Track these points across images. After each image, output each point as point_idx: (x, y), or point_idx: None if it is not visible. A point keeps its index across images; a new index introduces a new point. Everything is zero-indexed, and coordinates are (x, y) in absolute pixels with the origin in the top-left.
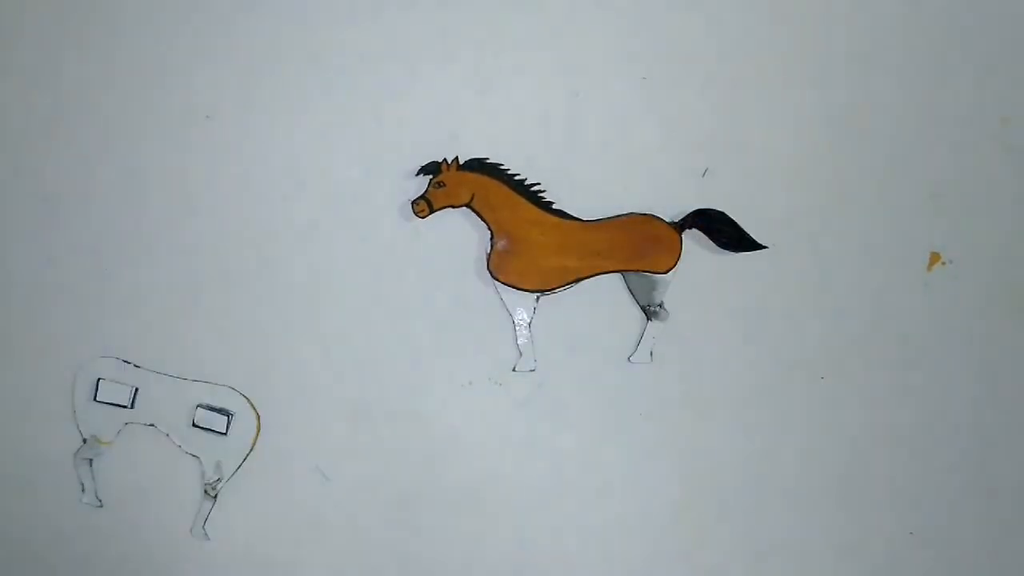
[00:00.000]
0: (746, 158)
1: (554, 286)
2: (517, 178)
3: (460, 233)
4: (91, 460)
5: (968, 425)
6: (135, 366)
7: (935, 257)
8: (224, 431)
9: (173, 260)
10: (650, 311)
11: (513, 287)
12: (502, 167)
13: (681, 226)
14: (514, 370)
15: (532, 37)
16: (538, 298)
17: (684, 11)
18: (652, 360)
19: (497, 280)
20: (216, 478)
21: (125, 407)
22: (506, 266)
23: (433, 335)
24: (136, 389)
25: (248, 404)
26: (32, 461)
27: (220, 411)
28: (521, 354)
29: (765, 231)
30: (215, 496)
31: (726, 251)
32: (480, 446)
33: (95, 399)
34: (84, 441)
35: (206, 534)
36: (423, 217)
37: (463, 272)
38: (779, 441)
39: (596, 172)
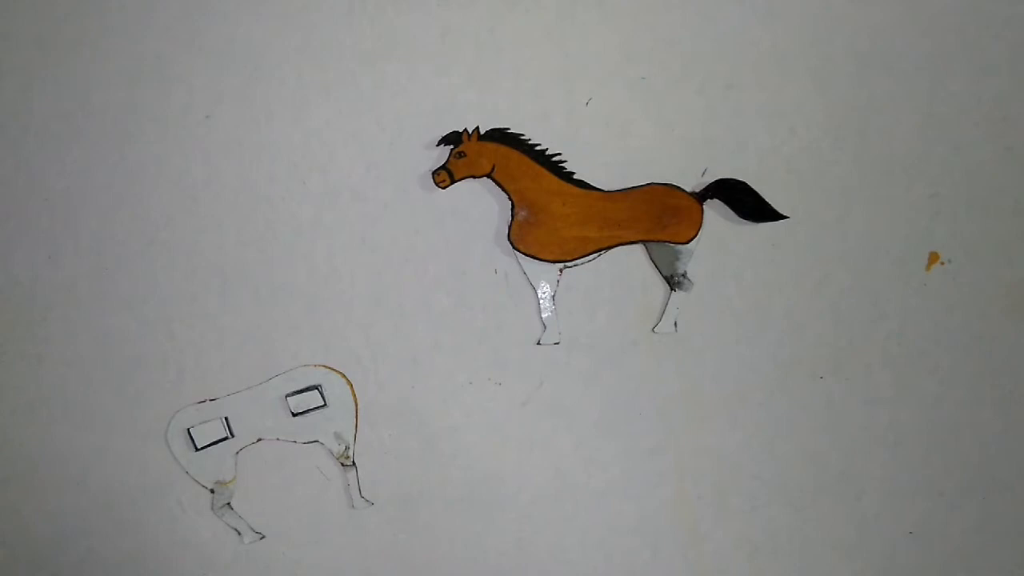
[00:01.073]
0: (744, 158)
1: (575, 257)
2: (538, 148)
3: (459, 233)
4: (229, 503)
5: (967, 424)
6: (211, 400)
7: (934, 257)
8: (323, 403)
9: (173, 260)
10: (673, 281)
11: (534, 257)
12: (523, 137)
13: (702, 196)
14: (539, 343)
15: (531, 38)
16: (561, 270)
17: (682, 11)
18: (677, 331)
19: (518, 251)
20: (344, 447)
21: (227, 438)
22: (527, 237)
23: (434, 335)
24: (226, 418)
25: (325, 369)
26: (35, 462)
27: (308, 389)
28: (545, 327)
29: (763, 230)
30: (353, 462)
31: (746, 221)
32: (480, 445)
33: (196, 449)
34: (212, 491)
35: (367, 500)
36: (444, 187)
37: (462, 272)
38: (778, 440)
39: (595, 172)
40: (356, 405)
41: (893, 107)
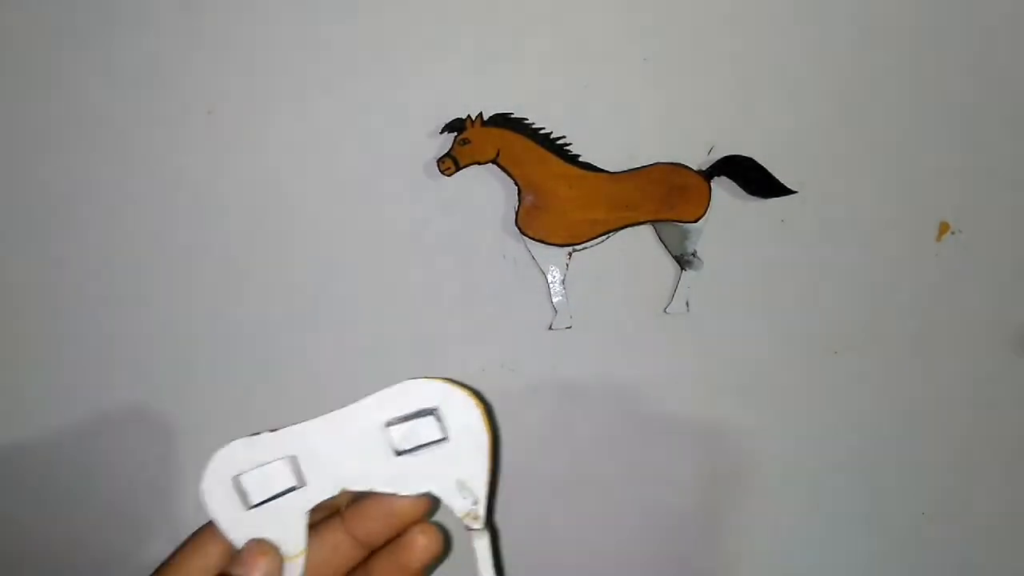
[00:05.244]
0: (750, 134)
1: (584, 239)
2: (542, 132)
3: (465, 220)
4: None
5: (985, 394)
6: (270, 432)
7: (944, 226)
8: (442, 435)
9: (179, 258)
10: (683, 260)
11: (542, 242)
12: (526, 121)
13: (709, 174)
14: (551, 328)
15: (531, 21)
16: (570, 253)
17: None
18: (688, 310)
19: (526, 236)
20: (471, 502)
21: (295, 488)
22: (534, 221)
23: (443, 323)
24: (294, 457)
25: (444, 384)
26: (45, 466)
27: (419, 415)
28: (556, 312)
29: (772, 206)
30: (485, 526)
31: (755, 198)
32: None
33: (251, 506)
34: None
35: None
36: (449, 175)
37: (470, 260)
38: (794, 418)
39: (601, 154)
40: (491, 438)
41: (897, 76)
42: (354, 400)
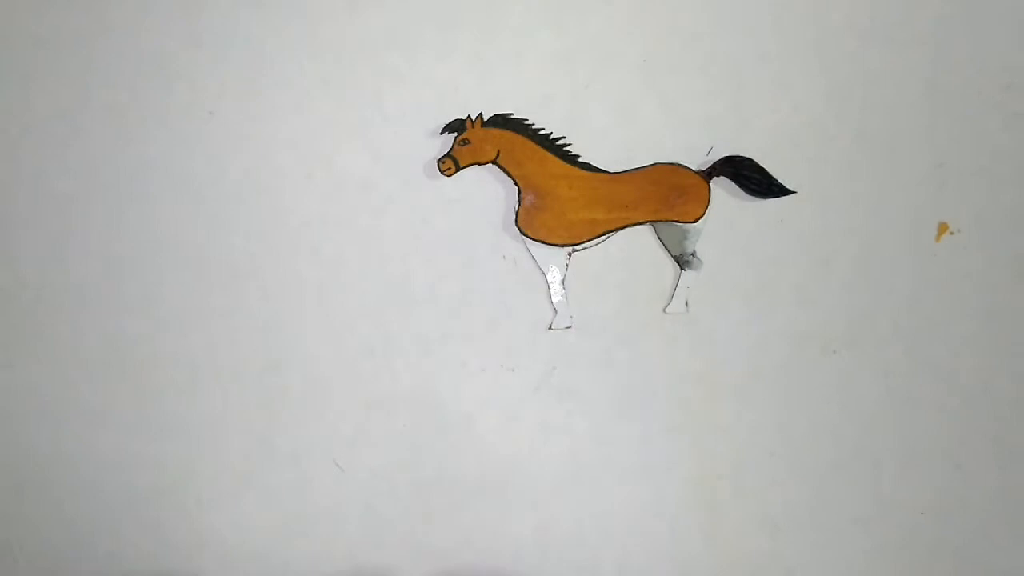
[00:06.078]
0: (749, 135)
1: (583, 240)
2: (542, 132)
3: (466, 220)
4: None
5: (982, 394)
6: None
7: (943, 227)
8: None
9: (181, 257)
10: (683, 261)
11: (542, 242)
12: (526, 122)
13: (709, 174)
14: (550, 328)
15: (532, 23)
16: (570, 254)
17: None
18: (688, 310)
19: (526, 236)
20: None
21: None
22: (534, 222)
23: (444, 323)
24: None
25: None
26: (50, 466)
27: None
28: (556, 312)
29: (771, 207)
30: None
31: (754, 198)
32: (495, 431)
33: None
34: None
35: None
36: (449, 175)
37: (471, 259)
38: (793, 417)
39: (601, 154)
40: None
41: (895, 78)
42: (354, 400)
